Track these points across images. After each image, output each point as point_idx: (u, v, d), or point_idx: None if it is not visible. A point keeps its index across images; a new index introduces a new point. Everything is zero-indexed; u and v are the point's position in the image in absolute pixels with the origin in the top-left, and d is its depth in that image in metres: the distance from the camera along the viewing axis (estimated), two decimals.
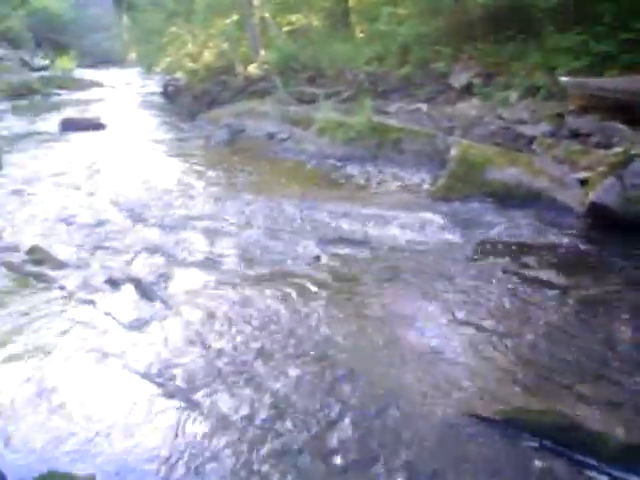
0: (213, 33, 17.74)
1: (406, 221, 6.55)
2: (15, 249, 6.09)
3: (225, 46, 17.14)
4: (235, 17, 17.39)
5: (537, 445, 3.25)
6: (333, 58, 13.90)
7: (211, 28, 17.70)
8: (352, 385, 3.83)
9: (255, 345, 4.31)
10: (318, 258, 5.77)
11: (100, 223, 6.89)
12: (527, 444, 3.27)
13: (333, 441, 3.35)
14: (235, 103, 13.73)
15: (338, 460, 3.22)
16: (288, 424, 3.49)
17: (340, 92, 12.80)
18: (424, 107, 11.01)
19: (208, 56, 17.09)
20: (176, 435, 3.46)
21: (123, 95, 18.36)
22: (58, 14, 31.87)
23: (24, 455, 3.30)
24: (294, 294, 5.04)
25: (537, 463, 3.14)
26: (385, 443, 3.32)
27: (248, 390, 3.81)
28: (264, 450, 3.30)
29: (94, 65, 27.89)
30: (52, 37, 31.23)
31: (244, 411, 3.62)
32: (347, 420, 3.51)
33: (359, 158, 9.21)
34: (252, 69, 15.90)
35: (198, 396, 3.78)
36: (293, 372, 3.99)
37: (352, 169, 8.85)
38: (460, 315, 4.63)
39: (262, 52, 16.35)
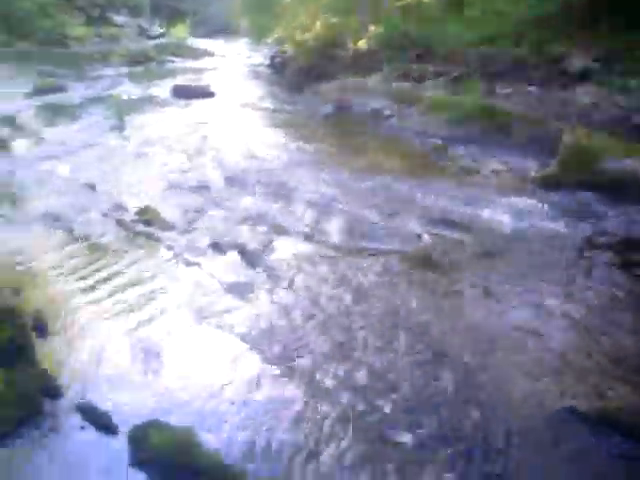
0: (325, 4, 17.68)
1: (511, 206, 6.43)
2: (127, 209, 6.40)
3: (336, 20, 17.07)
4: None
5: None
6: (444, 36, 13.59)
7: (323, 0, 17.66)
8: (447, 368, 3.85)
9: (351, 319, 4.38)
10: (420, 237, 5.78)
11: (207, 188, 7.11)
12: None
13: (425, 422, 3.40)
14: (342, 77, 13.71)
15: (430, 441, 3.26)
16: (381, 401, 3.56)
17: (449, 71, 12.52)
18: (536, 91, 10.65)
19: (318, 29, 17.07)
20: (270, 397, 3.59)
21: (232, 65, 18.71)
22: None
23: (130, 406, 3.52)
24: (393, 270, 5.09)
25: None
26: (478, 427, 3.34)
27: (344, 362, 3.90)
28: (357, 423, 3.39)
29: (208, 34, 28.47)
30: (171, 5, 32.13)
31: (339, 382, 3.71)
32: (442, 403, 3.54)
33: (465, 139, 9.05)
34: (361, 44, 15.78)
35: (293, 362, 3.90)
36: (388, 347, 4.04)
37: (457, 150, 8.71)
38: (558, 305, 4.54)
39: (372, 27, 16.19)
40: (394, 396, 3.58)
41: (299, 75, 15.62)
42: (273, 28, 17.96)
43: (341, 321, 4.36)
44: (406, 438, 3.27)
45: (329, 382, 3.70)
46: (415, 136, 9.61)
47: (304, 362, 3.90)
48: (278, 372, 3.82)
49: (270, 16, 18.35)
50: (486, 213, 6.30)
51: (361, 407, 3.49)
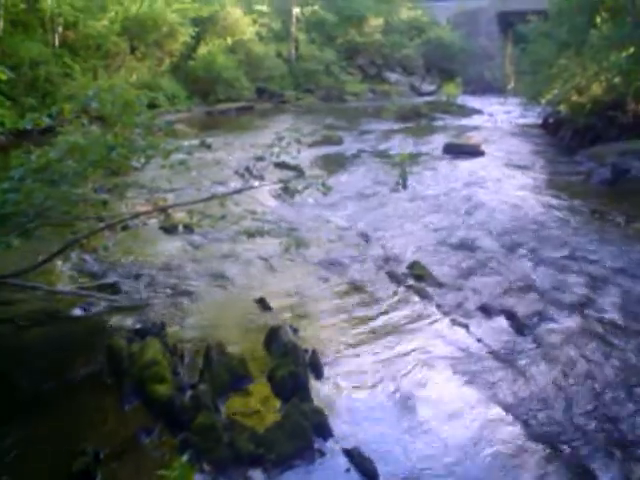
0: (605, 66, 16.89)
1: None
2: (398, 261, 6.61)
3: (617, 80, 16.19)
4: (632, 50, 16.35)
5: None
6: None
7: (604, 61, 16.89)
8: None
9: (617, 408, 4.02)
10: None
11: (474, 247, 7.09)
12: None
13: None
14: (621, 141, 12.91)
15: None
16: None
17: None
18: None
19: (596, 90, 16.33)
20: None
21: (502, 124, 18.61)
22: (449, 43, 33.67)
23: (393, 458, 3.58)
24: None
25: None
26: None
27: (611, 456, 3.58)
28: None
29: (475, 92, 28.79)
30: (441, 64, 33.14)
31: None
32: None
33: None
34: None
35: (559, 445, 3.67)
36: None
37: None
38: None
39: None
40: None
41: (573, 137, 15.04)
42: (547, 88, 17.54)
43: (601, 409, 4.01)
44: None
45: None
46: None
47: (568, 448, 3.65)
48: (542, 451, 3.63)
49: (544, 76, 17.97)
50: None
51: None
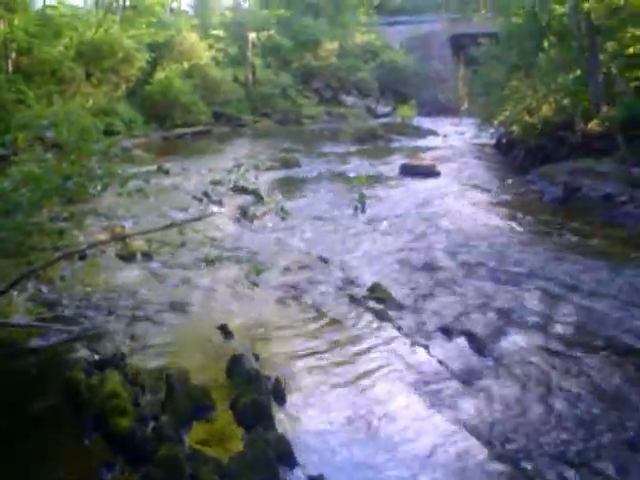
0: (553, 88, 17.40)
1: None
2: (358, 284, 6.66)
3: (565, 101, 16.69)
4: (578, 72, 16.89)
5: None
6: None
7: (552, 83, 17.40)
8: None
9: (578, 425, 4.09)
10: None
11: (433, 268, 7.19)
12: None
13: None
14: (571, 160, 13.27)
15: None
16: None
17: None
18: None
19: (546, 111, 16.79)
20: None
21: (456, 144, 19.00)
22: (403, 66, 34.31)
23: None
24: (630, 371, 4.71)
25: None
26: None
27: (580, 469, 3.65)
28: None
29: (430, 114, 29.36)
30: (395, 87, 33.71)
31: None
32: None
33: None
34: (592, 126, 15.22)
35: (523, 462, 3.72)
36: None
37: None
38: None
39: (604, 109, 15.57)
40: None
41: (525, 156, 15.42)
42: (499, 110, 17.97)
43: (566, 425, 4.09)
44: None
45: None
46: None
47: (532, 464, 3.70)
48: (504, 468, 3.67)
49: (496, 98, 18.41)
50: None
51: None
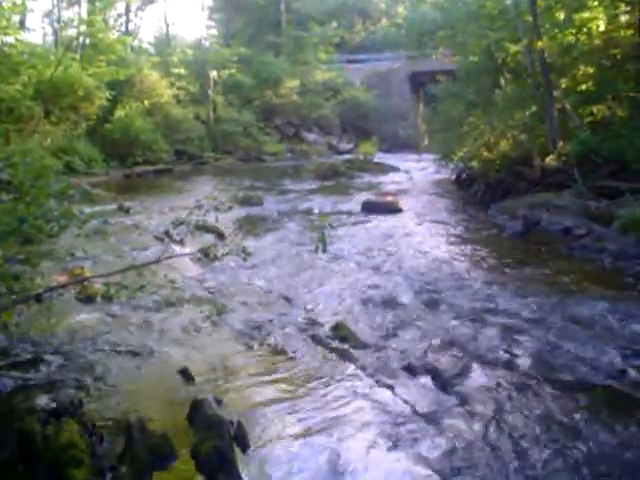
0: (511, 124, 17.83)
1: None
2: (321, 324, 6.61)
3: (522, 137, 17.11)
4: (534, 108, 17.35)
5: None
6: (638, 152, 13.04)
7: (509, 119, 17.84)
8: None
9: (550, 464, 4.09)
10: (623, 372, 5.36)
11: (396, 305, 7.19)
12: None
13: None
14: (530, 195, 13.55)
15: None
16: None
17: None
18: None
19: (504, 146, 17.19)
20: None
21: (418, 180, 19.27)
22: (364, 103, 34.91)
23: None
24: (598, 410, 4.73)
25: None
26: None
27: None
28: None
29: (390, 150, 29.80)
30: (357, 123, 34.25)
31: None
32: None
33: None
34: (549, 161, 15.59)
35: None
36: None
37: None
38: None
39: (560, 144, 15.99)
40: None
41: (485, 191, 15.71)
42: (458, 146, 18.33)
43: (538, 464, 4.08)
44: None
45: None
46: (612, 258, 9.10)
47: None
48: None
49: (455, 134, 18.79)
50: None
51: None
